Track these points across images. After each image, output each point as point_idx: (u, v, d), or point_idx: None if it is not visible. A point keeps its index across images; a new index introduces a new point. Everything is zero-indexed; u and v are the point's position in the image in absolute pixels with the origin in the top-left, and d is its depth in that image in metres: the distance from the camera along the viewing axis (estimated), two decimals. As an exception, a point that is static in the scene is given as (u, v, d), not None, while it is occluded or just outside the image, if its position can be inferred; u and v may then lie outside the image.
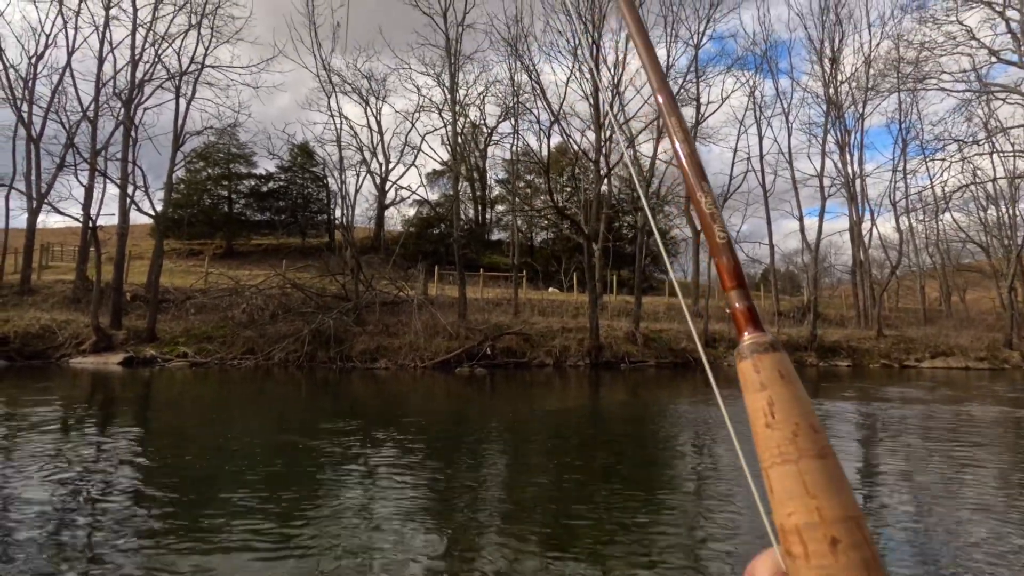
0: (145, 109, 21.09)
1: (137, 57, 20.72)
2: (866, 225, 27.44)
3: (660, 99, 0.61)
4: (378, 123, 30.42)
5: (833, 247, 45.91)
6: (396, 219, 37.45)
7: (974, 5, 21.29)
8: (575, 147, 22.21)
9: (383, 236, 33.73)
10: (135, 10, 20.89)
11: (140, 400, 10.98)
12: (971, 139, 24.57)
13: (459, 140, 26.06)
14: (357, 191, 34.54)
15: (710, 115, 29.12)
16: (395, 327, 18.27)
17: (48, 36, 22.25)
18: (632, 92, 29.87)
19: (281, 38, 57.32)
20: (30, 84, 21.96)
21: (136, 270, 24.06)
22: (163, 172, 21.47)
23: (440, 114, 30.05)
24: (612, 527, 4.16)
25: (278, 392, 12.46)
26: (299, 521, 4.15)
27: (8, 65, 21.38)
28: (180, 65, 21.40)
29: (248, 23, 36.23)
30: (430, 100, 30.39)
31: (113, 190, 21.85)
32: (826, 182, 26.30)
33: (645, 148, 24.50)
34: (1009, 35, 21.48)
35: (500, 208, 42.62)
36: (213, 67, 22.07)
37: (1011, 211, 28.99)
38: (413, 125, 39.73)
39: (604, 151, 20.28)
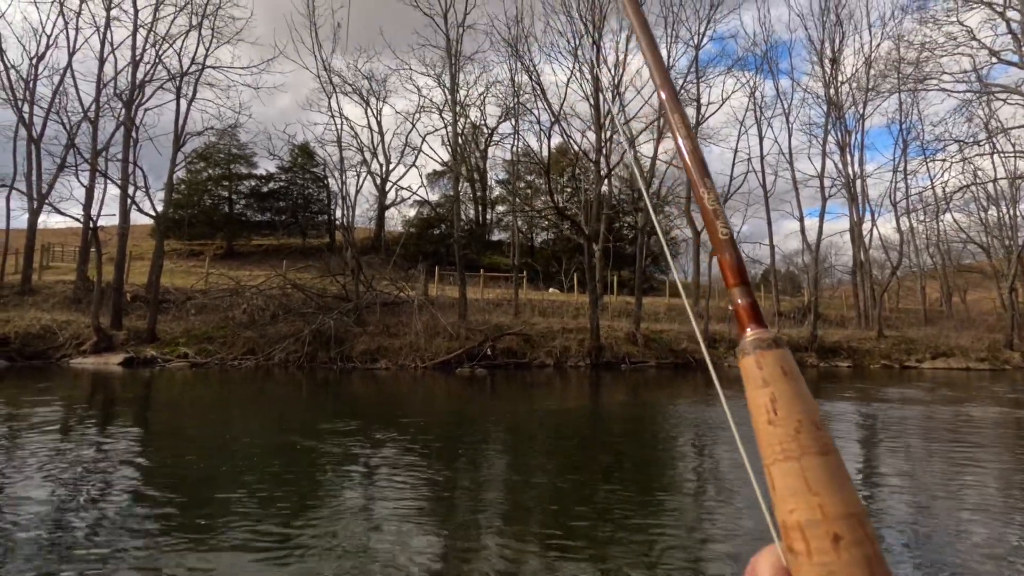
0: (146, 110, 21.18)
1: (138, 58, 20.76)
2: (867, 226, 27.44)
3: (663, 95, 0.61)
4: (378, 124, 30.50)
5: (834, 248, 45.92)
6: (396, 220, 37.53)
7: (975, 6, 21.28)
8: (575, 147, 22.23)
9: (384, 237, 33.75)
10: (136, 11, 20.98)
11: (140, 400, 10.97)
12: (972, 140, 24.53)
13: (459, 141, 26.11)
14: (358, 192, 34.56)
15: (710, 115, 29.17)
16: (395, 328, 18.27)
17: (49, 37, 22.29)
18: (632, 92, 29.88)
19: (282, 39, 57.33)
20: (31, 85, 21.98)
21: (137, 270, 24.07)
22: (164, 173, 21.59)
23: (440, 115, 30.12)
24: (612, 527, 4.15)
25: (278, 392, 12.45)
26: (299, 521, 4.15)
27: (9, 66, 21.40)
28: (181, 66, 21.48)
29: (249, 24, 36.31)
30: (430, 101, 30.53)
31: (114, 191, 21.91)
32: (827, 183, 26.28)
33: (645, 148, 24.54)
34: (1010, 36, 21.46)
35: (500, 209, 42.63)
36: (214, 68, 22.15)
37: (1012, 212, 29.08)
38: (413, 126, 39.91)
39: (604, 151, 20.29)
